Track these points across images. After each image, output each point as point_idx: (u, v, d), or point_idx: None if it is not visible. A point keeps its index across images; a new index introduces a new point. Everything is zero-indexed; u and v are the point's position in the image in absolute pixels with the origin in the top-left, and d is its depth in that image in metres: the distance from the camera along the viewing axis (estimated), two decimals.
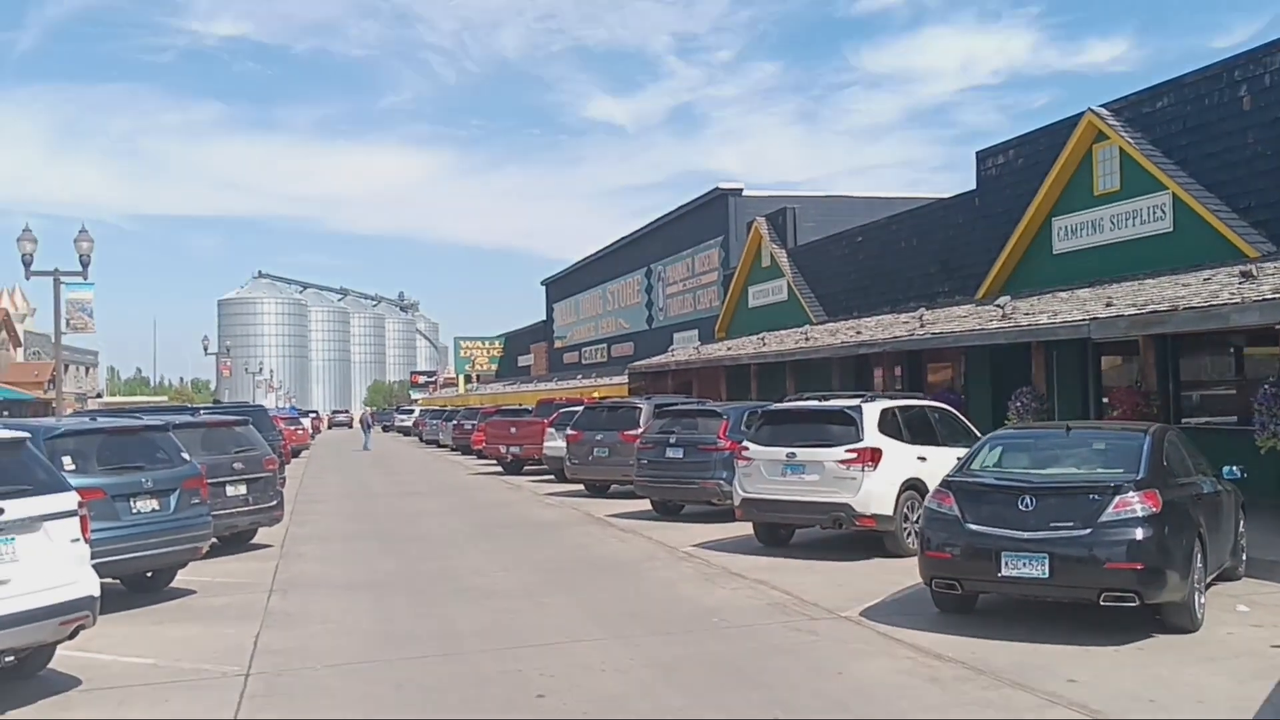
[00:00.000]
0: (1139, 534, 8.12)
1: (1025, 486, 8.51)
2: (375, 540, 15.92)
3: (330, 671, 8.06)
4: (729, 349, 29.22)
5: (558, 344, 62.94)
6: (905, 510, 12.62)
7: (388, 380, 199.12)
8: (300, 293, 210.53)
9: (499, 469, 30.04)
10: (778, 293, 32.65)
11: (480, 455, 36.18)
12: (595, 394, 34.42)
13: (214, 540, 12.29)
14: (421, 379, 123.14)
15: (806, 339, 24.64)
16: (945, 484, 9.07)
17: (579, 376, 48.97)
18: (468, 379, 78.66)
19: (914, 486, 12.75)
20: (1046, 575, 8.17)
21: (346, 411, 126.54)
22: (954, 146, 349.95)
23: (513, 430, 28.42)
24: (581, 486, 22.38)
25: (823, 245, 30.50)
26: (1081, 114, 19.48)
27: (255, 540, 15.54)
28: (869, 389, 26.08)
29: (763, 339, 27.82)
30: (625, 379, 38.50)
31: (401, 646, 8.81)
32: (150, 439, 11.65)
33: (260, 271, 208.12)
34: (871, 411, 12.90)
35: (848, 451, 12.50)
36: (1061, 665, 7.66)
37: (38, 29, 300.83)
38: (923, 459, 13.03)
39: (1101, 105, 19.13)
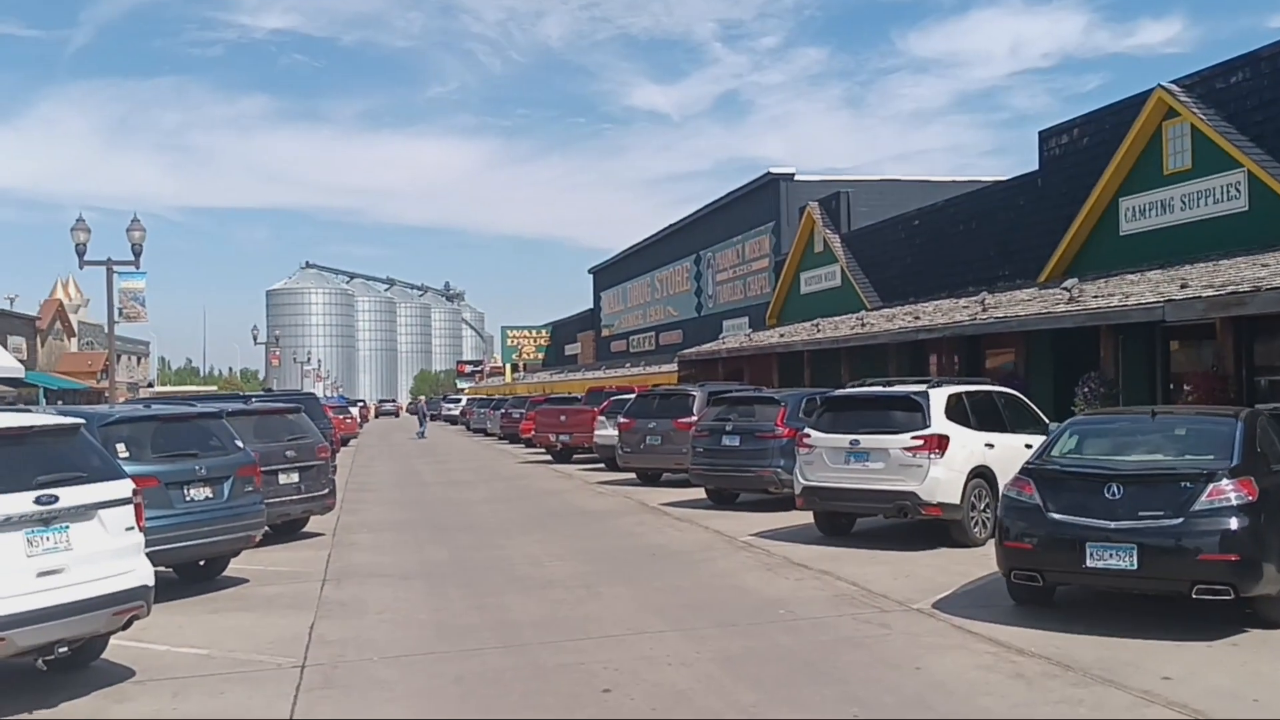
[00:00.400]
0: (1234, 524, 7.67)
1: (1112, 474, 8.07)
2: (427, 529, 15.75)
3: (387, 664, 7.84)
4: (781, 336, 28.80)
5: (605, 332, 62.75)
6: (973, 499, 12.21)
7: (434, 370, 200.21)
8: (347, 283, 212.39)
9: (548, 457, 29.88)
10: (831, 278, 32.15)
11: (529, 444, 36.11)
12: (652, 383, 34.12)
13: (266, 529, 12.15)
14: (468, 368, 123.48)
15: (862, 325, 24.17)
16: (1026, 471, 8.65)
17: (629, 365, 48.74)
18: (514, 368, 78.76)
19: (982, 474, 12.33)
20: (1135, 567, 7.75)
21: (393, 400, 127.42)
22: (1003, 130, 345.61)
23: (562, 418, 28.22)
24: (633, 475, 22.11)
25: (877, 230, 29.96)
26: (1150, 91, 18.85)
27: (307, 529, 15.43)
28: (925, 375, 25.58)
29: (817, 325, 27.37)
30: (674, 367, 38.18)
31: (459, 638, 8.57)
32: (204, 426, 11.53)
33: (307, 262, 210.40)
34: (938, 397, 12.48)
35: (914, 438, 12.09)
36: (1152, 661, 7.26)
37: (90, 26, 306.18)
38: (990, 446, 12.61)
39: (1172, 81, 18.49)
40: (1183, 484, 7.88)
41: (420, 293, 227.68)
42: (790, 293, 35.41)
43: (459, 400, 71.14)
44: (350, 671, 7.63)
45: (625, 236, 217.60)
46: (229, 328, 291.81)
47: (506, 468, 27.81)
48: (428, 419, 54.14)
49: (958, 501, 12.02)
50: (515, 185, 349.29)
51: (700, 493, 18.36)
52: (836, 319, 28.00)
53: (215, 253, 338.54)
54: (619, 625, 8.83)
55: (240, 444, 11.77)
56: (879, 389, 13.19)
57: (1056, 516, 8.13)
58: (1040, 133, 22.57)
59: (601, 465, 25.78)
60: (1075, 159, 21.51)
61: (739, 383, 28.51)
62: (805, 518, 14.74)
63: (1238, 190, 17.28)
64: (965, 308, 21.37)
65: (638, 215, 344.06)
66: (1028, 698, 6.59)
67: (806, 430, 13.07)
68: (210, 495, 10.93)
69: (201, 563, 11.32)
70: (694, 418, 20.17)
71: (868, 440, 12.37)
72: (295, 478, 14.64)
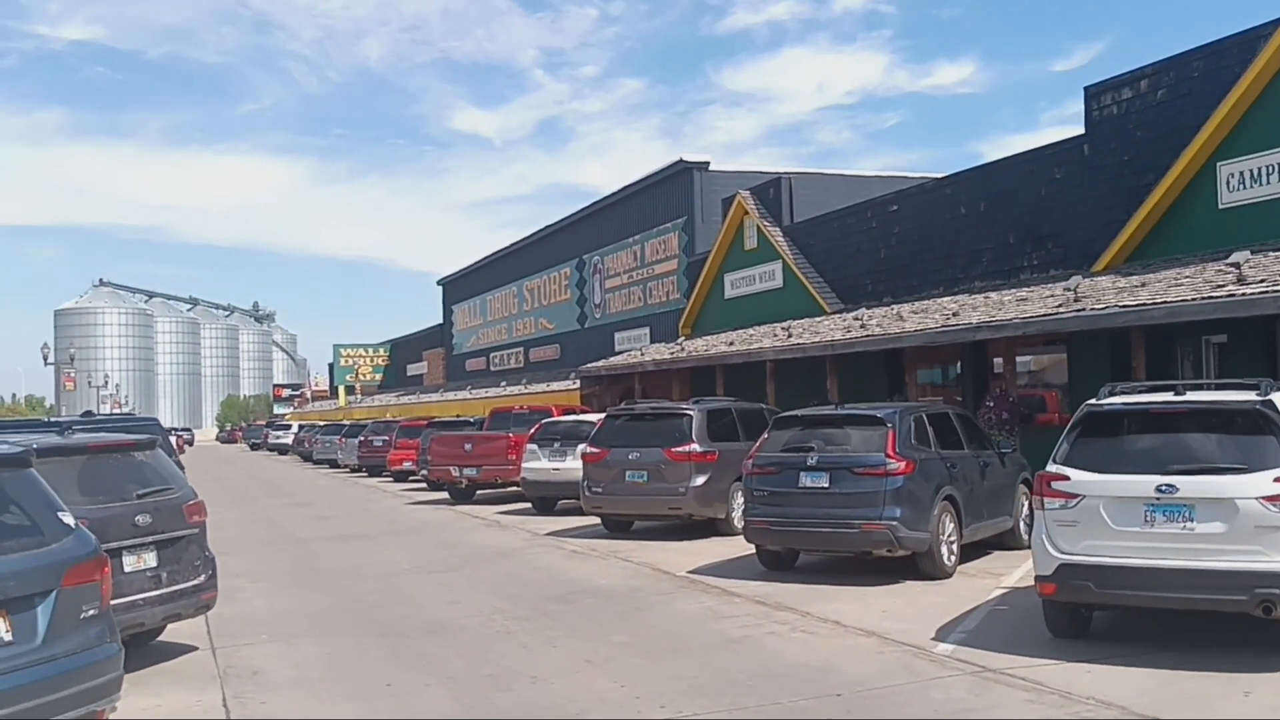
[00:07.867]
0: None
1: None
2: (367, 633, 9.88)
3: None
4: (732, 344, 23.75)
5: (458, 350, 56.49)
6: None
7: (242, 394, 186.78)
8: (145, 302, 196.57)
9: (441, 496, 23.86)
10: (769, 279, 27.34)
11: (398, 477, 30.27)
12: (555, 403, 28.51)
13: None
14: (285, 392, 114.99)
15: (862, 326, 19.38)
16: None
17: (504, 384, 42.64)
18: (349, 390, 71.09)
19: None
20: None
21: (189, 429, 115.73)
22: (810, 163, 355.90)
23: (467, 447, 22.28)
24: (597, 521, 16.56)
25: (833, 219, 25.34)
26: (1273, 22, 14.80)
27: (164, 637, 9.48)
28: (901, 394, 21.08)
29: (786, 329, 22.44)
30: (570, 384, 32.71)
31: None
32: None
33: (102, 279, 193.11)
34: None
35: (1278, 480, 7.14)
36: None
37: None
38: None
39: None
40: None
41: (227, 313, 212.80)
42: (710, 297, 30.50)
43: (288, 427, 63.12)
44: None
45: (448, 258, 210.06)
46: (10, 351, 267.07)
47: (399, 513, 21.63)
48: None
49: None
50: (332, 206, 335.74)
51: (728, 547, 13.23)
52: (807, 321, 23.18)
53: None
54: None
55: (69, 520, 5.87)
56: (1179, 397, 8.07)
57: None
58: (1087, 89, 18.34)
59: (528, 507, 20.15)
60: (1141, 117, 17.34)
61: (657, 400, 22.92)
62: (970, 598, 9.73)
63: None
64: (1022, 300, 16.83)
65: (460, 238, 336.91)
66: None
67: (1061, 470, 7.89)
68: (8, 638, 5.06)
69: None
70: (693, 444, 15.08)
71: (1189, 486, 7.32)
72: (153, 560, 8.71)
